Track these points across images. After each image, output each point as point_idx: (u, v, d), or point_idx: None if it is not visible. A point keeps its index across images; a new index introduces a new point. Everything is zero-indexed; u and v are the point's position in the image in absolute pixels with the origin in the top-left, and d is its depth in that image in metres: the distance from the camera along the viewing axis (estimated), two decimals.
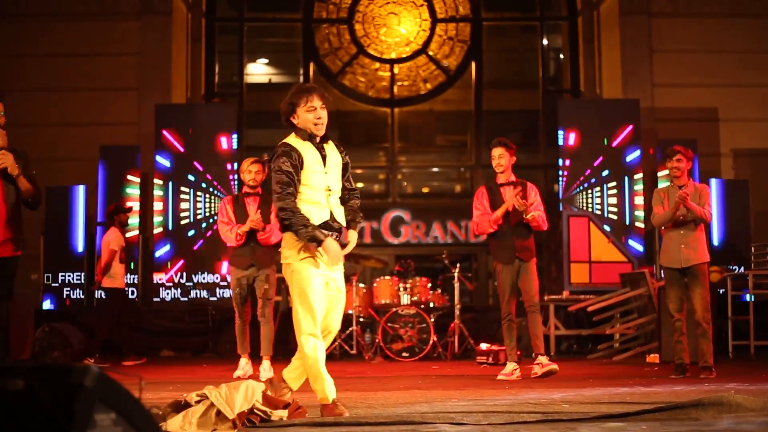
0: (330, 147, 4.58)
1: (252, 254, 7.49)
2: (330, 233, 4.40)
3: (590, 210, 12.07)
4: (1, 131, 5.47)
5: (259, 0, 15.37)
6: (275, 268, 7.32)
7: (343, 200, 4.62)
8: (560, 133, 12.56)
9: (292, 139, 4.51)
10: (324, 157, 4.50)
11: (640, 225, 12.13)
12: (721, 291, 10.13)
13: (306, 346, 4.30)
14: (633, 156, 12.42)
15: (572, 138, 12.45)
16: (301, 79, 14.99)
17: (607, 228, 11.62)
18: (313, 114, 4.48)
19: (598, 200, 12.31)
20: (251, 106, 14.98)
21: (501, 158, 7.35)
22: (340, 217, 4.53)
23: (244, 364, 7.45)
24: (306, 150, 4.46)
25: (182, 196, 12.30)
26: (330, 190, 4.48)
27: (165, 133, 12.35)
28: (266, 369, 7.26)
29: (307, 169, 4.44)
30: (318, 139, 4.52)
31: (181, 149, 12.41)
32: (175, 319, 11.61)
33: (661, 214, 7.25)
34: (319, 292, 4.35)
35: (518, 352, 8.71)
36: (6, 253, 5.51)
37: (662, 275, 7.55)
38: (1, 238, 5.59)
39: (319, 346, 4.31)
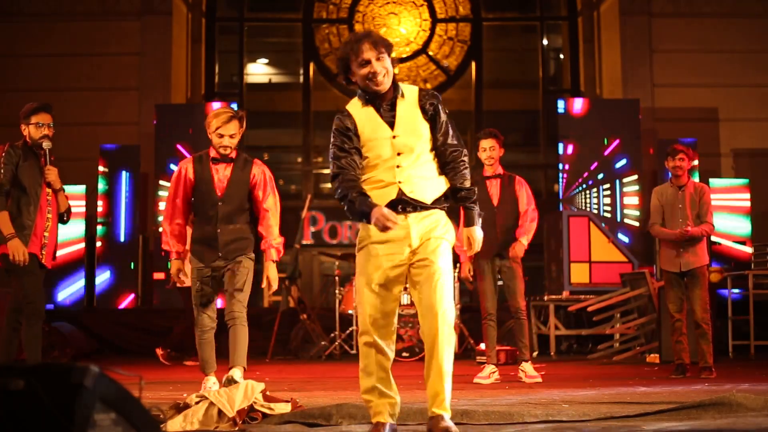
0: (405, 103, 3.71)
1: (219, 241, 5.39)
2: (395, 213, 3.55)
3: (590, 209, 12.07)
4: (48, 143, 5.78)
5: (259, 0, 15.39)
6: (251, 255, 5.51)
7: (445, 162, 3.74)
8: (560, 132, 12.56)
9: (351, 104, 3.75)
10: (391, 119, 3.67)
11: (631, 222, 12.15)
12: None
13: (360, 346, 3.68)
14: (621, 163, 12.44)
15: (572, 138, 12.45)
16: (301, 79, 15.00)
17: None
18: (367, 69, 3.59)
19: (601, 200, 12.31)
20: (251, 106, 14.98)
21: (492, 150, 7.12)
22: (420, 191, 3.64)
23: (212, 384, 5.42)
24: (362, 115, 3.69)
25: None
26: (400, 156, 3.64)
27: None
28: (236, 378, 5.25)
29: (365, 139, 3.66)
30: (386, 98, 3.68)
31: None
32: (175, 319, 11.59)
33: (660, 231, 7.27)
34: (371, 290, 3.58)
35: (519, 352, 8.72)
36: (50, 263, 5.58)
37: (661, 276, 7.55)
38: (51, 249, 5.69)
39: (372, 349, 3.59)
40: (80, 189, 12.11)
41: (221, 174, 5.38)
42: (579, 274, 11.04)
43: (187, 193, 5.39)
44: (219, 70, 14.91)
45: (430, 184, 3.68)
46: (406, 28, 14.86)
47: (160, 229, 5.63)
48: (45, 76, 13.39)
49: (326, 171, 15.60)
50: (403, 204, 3.62)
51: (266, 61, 16.12)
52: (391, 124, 3.68)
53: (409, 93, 3.76)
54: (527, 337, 7.17)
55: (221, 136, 5.28)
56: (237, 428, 3.86)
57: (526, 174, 14.96)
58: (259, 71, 16.09)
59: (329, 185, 15.57)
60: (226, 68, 15.24)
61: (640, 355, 9.70)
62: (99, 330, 11.30)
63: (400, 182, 3.63)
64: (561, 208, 12.06)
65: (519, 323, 7.09)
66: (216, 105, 12.42)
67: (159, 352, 9.29)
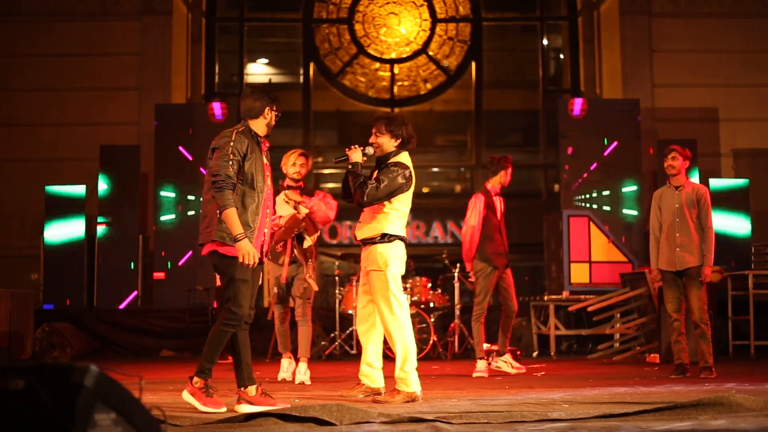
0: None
1: (293, 249, 6.94)
2: None
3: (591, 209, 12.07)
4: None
5: (259, 0, 15.38)
6: (314, 264, 7.08)
7: None
8: (560, 132, 12.55)
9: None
10: None
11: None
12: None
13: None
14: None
15: (572, 138, 12.45)
16: (301, 79, 15.00)
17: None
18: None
19: (600, 200, 12.31)
20: None
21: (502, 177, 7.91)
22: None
23: (287, 365, 7.08)
24: None
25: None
26: None
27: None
28: (302, 372, 6.92)
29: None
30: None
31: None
32: (175, 319, 11.61)
33: (651, 249, 7.35)
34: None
35: (519, 352, 8.84)
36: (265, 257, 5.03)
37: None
38: (268, 244, 5.07)
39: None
40: (80, 189, 12.12)
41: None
42: (579, 274, 11.04)
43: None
44: (219, 70, 14.91)
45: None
46: (406, 28, 14.86)
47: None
48: (45, 76, 13.39)
49: (326, 171, 15.61)
50: None
51: (266, 61, 16.12)
52: None
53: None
54: (511, 332, 8.01)
55: (295, 165, 7.00)
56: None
57: (526, 174, 15.07)
58: (259, 71, 16.09)
59: (329, 185, 15.59)
60: (226, 68, 15.24)
61: (640, 355, 9.70)
62: (99, 330, 11.31)
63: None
64: (561, 208, 12.05)
65: (509, 321, 7.87)
66: (216, 105, 12.40)
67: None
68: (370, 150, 5.42)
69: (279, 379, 7.05)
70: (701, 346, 7.04)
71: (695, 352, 7.20)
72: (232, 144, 4.72)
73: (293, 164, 7.02)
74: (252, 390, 4.76)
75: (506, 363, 7.79)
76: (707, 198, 7.20)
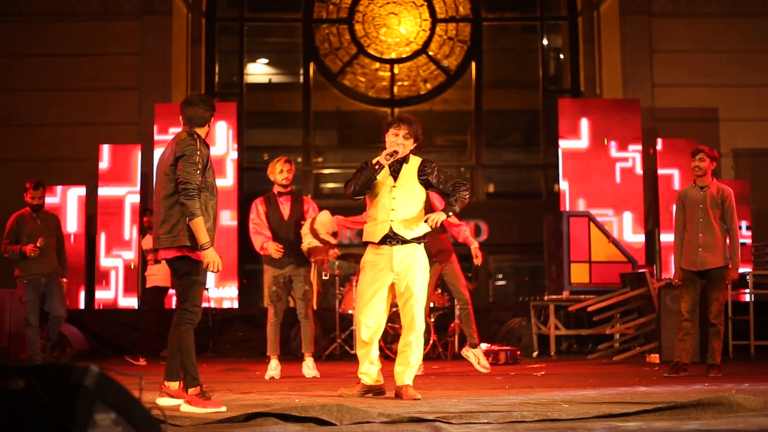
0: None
1: (290, 252, 7.39)
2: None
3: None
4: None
5: (259, 0, 15.38)
6: (311, 267, 7.55)
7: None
8: (559, 132, 12.55)
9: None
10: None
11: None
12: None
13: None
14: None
15: (571, 138, 12.43)
16: (301, 79, 14.99)
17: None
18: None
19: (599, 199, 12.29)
20: (251, 106, 14.98)
21: None
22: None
23: (275, 366, 7.39)
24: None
25: None
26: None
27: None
28: (310, 366, 7.45)
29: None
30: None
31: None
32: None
33: (675, 249, 7.37)
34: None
35: (519, 352, 8.82)
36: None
37: (662, 276, 7.56)
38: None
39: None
40: (80, 190, 12.11)
41: (285, 205, 7.48)
42: (579, 274, 11.03)
43: (263, 220, 7.47)
44: (219, 70, 14.91)
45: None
46: (406, 28, 14.86)
47: (254, 235, 7.45)
48: (45, 76, 13.38)
49: (326, 171, 15.62)
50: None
51: (266, 61, 16.12)
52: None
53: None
54: (474, 324, 7.83)
55: (282, 171, 7.43)
56: None
57: (526, 174, 15.07)
58: (259, 71, 16.09)
59: (329, 185, 15.61)
60: (226, 68, 15.24)
61: (640, 355, 9.70)
62: (99, 330, 11.31)
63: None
64: (561, 208, 12.04)
65: (467, 314, 7.78)
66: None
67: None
68: (398, 150, 5.39)
69: (267, 377, 7.26)
70: (714, 344, 7.07)
71: (696, 353, 7.21)
72: (198, 153, 4.81)
73: (281, 171, 7.45)
74: (175, 385, 4.94)
75: (475, 356, 7.71)
76: (732, 199, 7.20)
